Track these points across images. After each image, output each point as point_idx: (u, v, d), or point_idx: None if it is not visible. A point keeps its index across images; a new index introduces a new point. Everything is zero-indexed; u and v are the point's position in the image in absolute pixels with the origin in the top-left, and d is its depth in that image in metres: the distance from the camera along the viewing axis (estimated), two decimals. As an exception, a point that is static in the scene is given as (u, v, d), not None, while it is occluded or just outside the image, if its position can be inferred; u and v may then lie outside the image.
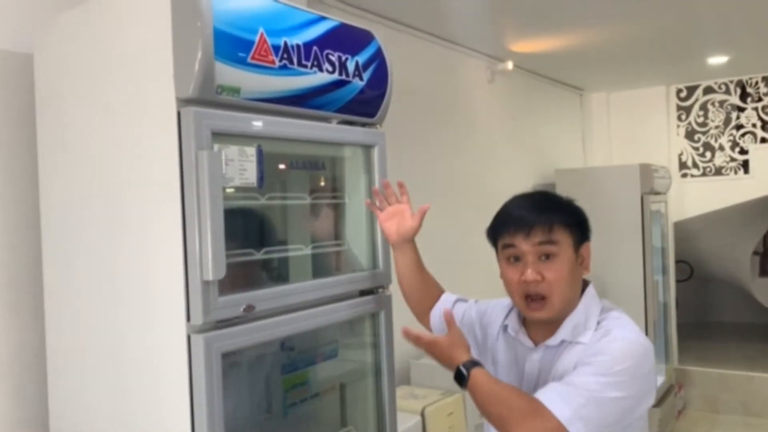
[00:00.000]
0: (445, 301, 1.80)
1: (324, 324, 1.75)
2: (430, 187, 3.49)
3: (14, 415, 1.75)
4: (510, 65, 4.14)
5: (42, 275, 1.75)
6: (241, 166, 1.55)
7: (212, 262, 1.43)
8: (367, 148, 1.94)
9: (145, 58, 1.51)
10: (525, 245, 1.44)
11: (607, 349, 1.35)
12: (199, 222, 1.43)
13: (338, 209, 1.98)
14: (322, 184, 1.94)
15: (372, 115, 1.92)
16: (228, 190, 1.56)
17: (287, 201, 1.82)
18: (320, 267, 1.92)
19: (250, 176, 1.57)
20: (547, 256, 1.43)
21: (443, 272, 3.66)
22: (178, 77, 1.45)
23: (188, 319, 1.45)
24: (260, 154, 1.59)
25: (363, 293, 1.92)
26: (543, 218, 1.43)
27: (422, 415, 2.69)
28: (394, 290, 2.00)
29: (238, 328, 1.51)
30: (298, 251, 1.81)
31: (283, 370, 1.69)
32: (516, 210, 1.49)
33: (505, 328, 1.59)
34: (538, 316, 1.44)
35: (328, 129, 1.79)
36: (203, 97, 1.45)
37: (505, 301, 1.61)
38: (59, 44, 1.71)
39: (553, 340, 1.45)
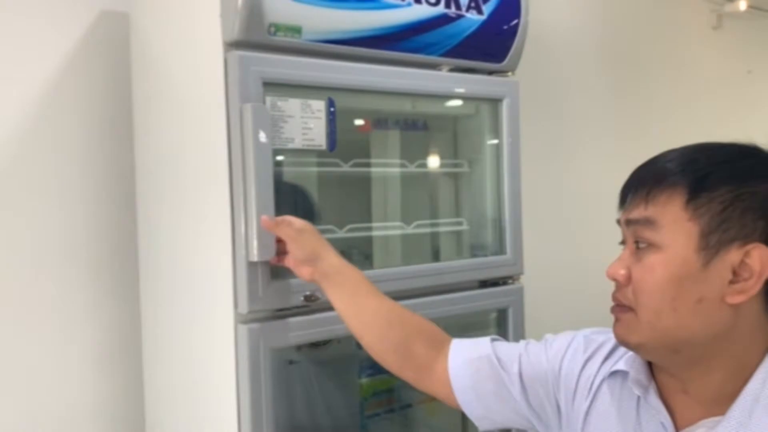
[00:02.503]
0: (471, 347, 1.05)
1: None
2: (624, 159, 2.90)
3: (113, 398, 1.69)
4: (742, 5, 3.33)
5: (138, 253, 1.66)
6: (304, 124, 1.27)
7: (257, 240, 1.18)
8: (494, 102, 1.55)
9: (198, -2, 1.30)
10: (622, 220, 0.84)
11: None
12: (245, 192, 1.19)
13: (456, 180, 1.62)
14: (434, 148, 1.59)
15: (498, 58, 1.52)
16: (298, 155, 1.30)
17: (382, 169, 1.51)
18: (428, 250, 1.59)
19: (317, 137, 1.28)
20: (642, 244, 0.80)
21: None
22: (225, 17, 1.21)
23: (235, 306, 1.23)
24: (332, 109, 1.30)
25: (484, 284, 1.55)
26: (646, 178, 0.81)
27: None
28: (528, 282, 1.60)
29: (296, 320, 1.25)
30: (396, 230, 1.49)
31: (361, 372, 1.40)
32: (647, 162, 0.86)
33: (615, 374, 0.90)
34: (616, 335, 0.83)
35: (436, 78, 1.44)
36: (252, 38, 1.20)
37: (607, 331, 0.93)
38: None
39: (724, 425, 0.77)
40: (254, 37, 1.19)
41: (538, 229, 1.94)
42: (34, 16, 1.59)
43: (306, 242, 1.14)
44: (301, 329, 1.25)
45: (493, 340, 1.06)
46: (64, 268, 1.60)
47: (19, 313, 1.55)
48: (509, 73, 1.57)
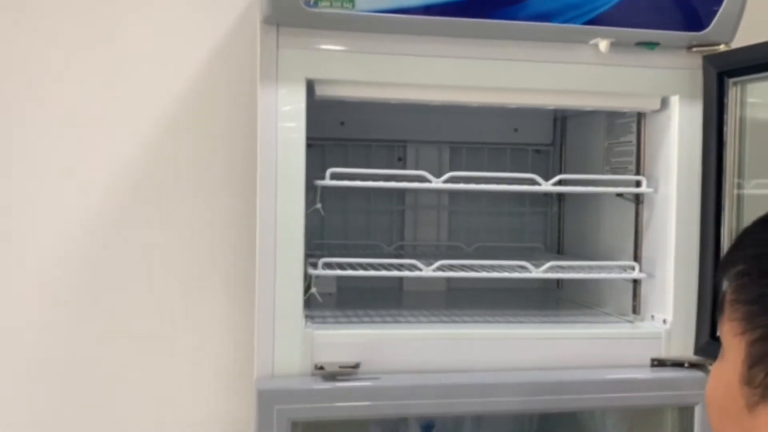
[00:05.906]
0: None
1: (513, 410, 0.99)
2: None
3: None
4: None
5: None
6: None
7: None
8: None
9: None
10: None
11: None
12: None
13: (634, 205, 1.12)
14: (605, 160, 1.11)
15: (697, 25, 0.99)
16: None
17: (485, 187, 1.07)
18: (558, 303, 1.12)
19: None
20: None
21: None
22: (260, -12, 0.94)
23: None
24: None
25: (660, 363, 1.04)
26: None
27: None
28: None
29: (329, 387, 0.93)
30: (513, 272, 1.06)
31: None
32: None
33: None
34: None
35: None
36: (287, 13, 0.91)
37: None
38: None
39: None
40: (289, 10, 0.90)
41: None
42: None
43: None
44: (334, 400, 0.93)
45: None
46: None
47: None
48: (721, 46, 1.01)
